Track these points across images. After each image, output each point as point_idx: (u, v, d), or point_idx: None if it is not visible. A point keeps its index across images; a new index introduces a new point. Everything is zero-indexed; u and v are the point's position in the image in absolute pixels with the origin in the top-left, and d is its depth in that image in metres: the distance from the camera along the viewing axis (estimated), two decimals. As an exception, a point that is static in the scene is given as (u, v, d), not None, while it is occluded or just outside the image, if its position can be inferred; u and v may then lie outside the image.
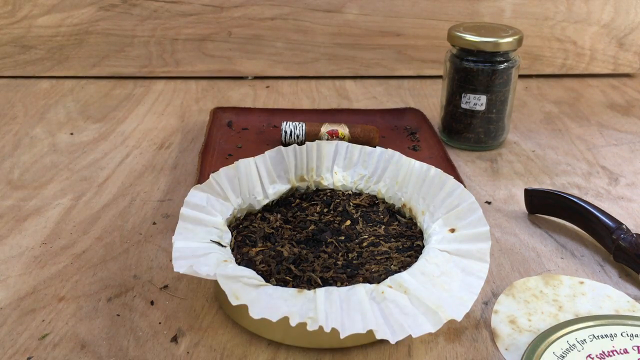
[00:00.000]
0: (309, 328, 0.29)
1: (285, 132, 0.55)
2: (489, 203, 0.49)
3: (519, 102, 0.71)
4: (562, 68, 0.80)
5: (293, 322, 0.29)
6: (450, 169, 0.50)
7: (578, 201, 0.44)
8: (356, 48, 0.77)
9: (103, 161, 0.55)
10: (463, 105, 0.56)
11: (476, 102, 0.55)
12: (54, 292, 0.37)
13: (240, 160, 0.41)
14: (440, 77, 0.69)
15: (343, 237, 0.39)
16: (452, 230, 0.36)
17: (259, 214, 0.41)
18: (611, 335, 0.32)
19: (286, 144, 0.55)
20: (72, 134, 0.60)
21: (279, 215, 0.41)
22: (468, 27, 0.56)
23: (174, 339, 0.34)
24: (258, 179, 0.42)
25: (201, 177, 0.47)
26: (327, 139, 0.54)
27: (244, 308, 0.30)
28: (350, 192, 0.44)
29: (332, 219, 0.41)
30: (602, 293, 0.38)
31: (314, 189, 0.44)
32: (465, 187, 0.39)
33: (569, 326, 0.33)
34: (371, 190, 0.44)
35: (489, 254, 0.34)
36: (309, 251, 0.37)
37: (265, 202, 0.42)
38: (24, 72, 0.76)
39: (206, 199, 0.38)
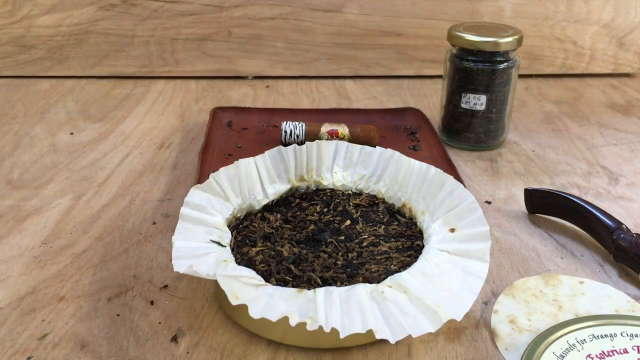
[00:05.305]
0: (309, 328, 0.29)
1: (285, 132, 0.55)
2: (489, 203, 0.49)
3: (519, 102, 0.71)
4: (562, 68, 0.80)
5: (293, 322, 0.29)
6: (450, 168, 0.50)
7: (578, 201, 0.44)
8: (356, 48, 0.77)
9: (103, 161, 0.55)
10: (463, 105, 0.56)
11: (476, 102, 0.55)
12: (54, 292, 0.37)
13: (240, 160, 0.41)
14: (440, 77, 0.69)
15: (343, 237, 0.39)
16: (452, 230, 0.36)
17: (259, 214, 0.41)
18: (611, 335, 0.32)
19: (286, 144, 0.55)
20: (72, 133, 0.60)
21: (279, 215, 0.41)
22: (468, 27, 0.56)
23: (174, 339, 0.34)
24: (258, 178, 0.42)
25: (201, 177, 0.47)
26: (327, 139, 0.54)
27: (243, 308, 0.30)
28: (350, 192, 0.44)
29: (332, 219, 0.40)
30: (602, 293, 0.38)
31: (314, 188, 0.44)
32: (465, 186, 0.39)
33: (569, 326, 0.33)
34: (371, 190, 0.44)
35: (489, 253, 0.34)
36: (309, 251, 0.37)
37: (265, 202, 0.42)
38: (24, 72, 0.76)
39: (206, 198, 0.38)
